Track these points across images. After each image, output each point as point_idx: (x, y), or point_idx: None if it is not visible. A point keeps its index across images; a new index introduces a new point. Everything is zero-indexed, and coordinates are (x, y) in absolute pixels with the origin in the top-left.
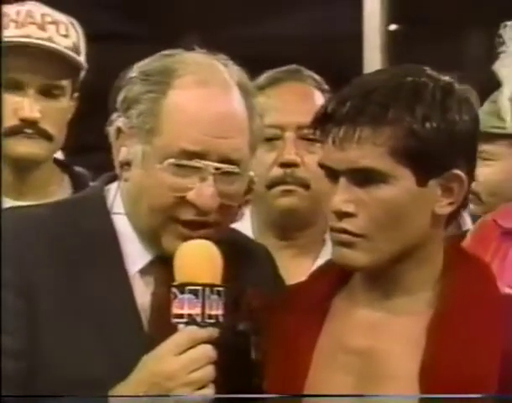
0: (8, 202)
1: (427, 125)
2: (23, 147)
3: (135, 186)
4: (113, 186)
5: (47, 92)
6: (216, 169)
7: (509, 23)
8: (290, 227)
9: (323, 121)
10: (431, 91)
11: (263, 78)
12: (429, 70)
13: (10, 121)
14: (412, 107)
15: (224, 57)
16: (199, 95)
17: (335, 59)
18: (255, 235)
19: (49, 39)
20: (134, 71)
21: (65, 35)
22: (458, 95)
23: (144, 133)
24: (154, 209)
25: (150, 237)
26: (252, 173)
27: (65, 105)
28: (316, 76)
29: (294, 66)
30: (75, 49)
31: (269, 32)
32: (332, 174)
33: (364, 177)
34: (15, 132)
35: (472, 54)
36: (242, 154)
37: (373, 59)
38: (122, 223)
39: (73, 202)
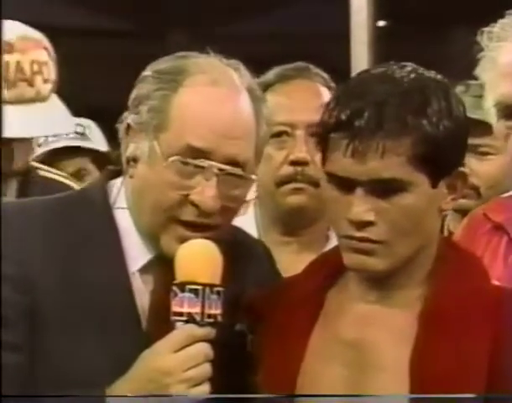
0: None
1: (440, 127)
2: None
3: (140, 183)
4: (118, 181)
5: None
6: (221, 170)
7: (486, 29)
8: (297, 224)
9: (336, 129)
10: (435, 92)
11: (271, 75)
12: (422, 70)
13: None
14: (425, 113)
15: (236, 62)
16: (209, 93)
17: (322, 55)
18: (259, 231)
19: (38, 96)
20: (148, 70)
21: (47, 80)
22: (454, 92)
23: (152, 128)
24: (156, 207)
25: (150, 236)
26: (255, 176)
27: None
28: (324, 74)
29: (301, 63)
30: (54, 88)
31: (257, 29)
32: (347, 184)
33: (385, 187)
34: None
35: (458, 50)
36: (248, 157)
37: (360, 55)
38: (125, 219)
39: (74, 197)
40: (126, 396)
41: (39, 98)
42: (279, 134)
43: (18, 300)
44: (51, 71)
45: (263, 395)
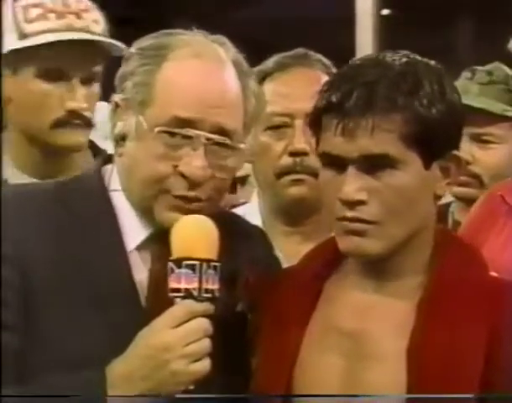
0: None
1: (432, 109)
2: (71, 137)
3: (129, 160)
4: (110, 166)
5: (87, 80)
6: (208, 139)
7: None
8: (299, 214)
9: (327, 111)
10: (427, 76)
11: (270, 63)
12: (415, 56)
13: (56, 112)
14: (417, 94)
15: (221, 37)
16: (193, 66)
17: (327, 42)
18: (263, 222)
19: (88, 28)
20: (132, 48)
21: (97, 21)
22: (448, 78)
23: (138, 104)
24: (146, 181)
25: (143, 209)
26: (243, 145)
27: (98, 90)
28: (325, 60)
29: (301, 50)
30: (105, 34)
31: (262, 14)
32: (338, 163)
33: (376, 164)
34: (63, 123)
35: (462, 38)
36: (235, 126)
37: (365, 43)
38: (120, 200)
39: (71, 181)
40: (127, 396)
41: (89, 31)
42: (278, 125)
43: (14, 281)
44: (99, 17)
45: (261, 396)
